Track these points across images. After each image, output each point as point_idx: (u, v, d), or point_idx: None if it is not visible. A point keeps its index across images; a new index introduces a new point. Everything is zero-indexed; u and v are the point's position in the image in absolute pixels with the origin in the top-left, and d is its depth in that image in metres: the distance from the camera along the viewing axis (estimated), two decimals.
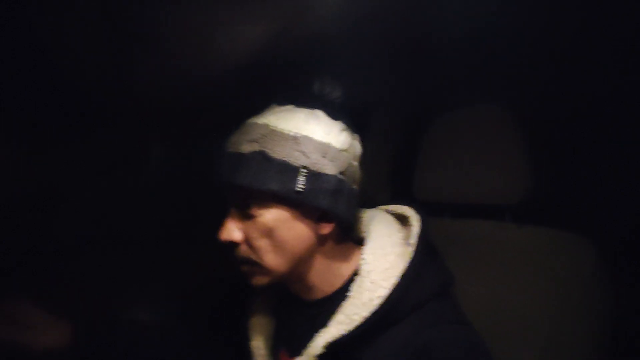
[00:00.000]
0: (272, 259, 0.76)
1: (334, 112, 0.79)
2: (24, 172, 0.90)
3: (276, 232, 0.75)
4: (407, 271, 0.74)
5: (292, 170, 0.73)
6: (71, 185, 1.01)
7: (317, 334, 0.75)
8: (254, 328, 0.88)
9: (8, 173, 0.84)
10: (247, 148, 0.74)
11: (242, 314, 0.90)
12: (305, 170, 0.73)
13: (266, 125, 0.76)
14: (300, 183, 0.73)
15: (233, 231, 0.77)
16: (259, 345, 0.87)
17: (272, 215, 0.75)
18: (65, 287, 0.92)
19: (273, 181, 0.72)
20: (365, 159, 0.83)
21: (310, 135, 0.75)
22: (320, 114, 0.78)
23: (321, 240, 0.78)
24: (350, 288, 0.76)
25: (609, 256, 1.04)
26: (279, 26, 0.82)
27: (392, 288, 0.73)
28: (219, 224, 0.78)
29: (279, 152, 0.73)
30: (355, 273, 0.78)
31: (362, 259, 0.77)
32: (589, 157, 1.19)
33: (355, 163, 0.81)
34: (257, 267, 0.77)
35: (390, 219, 0.85)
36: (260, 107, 0.80)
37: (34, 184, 0.90)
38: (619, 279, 1.04)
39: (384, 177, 1.34)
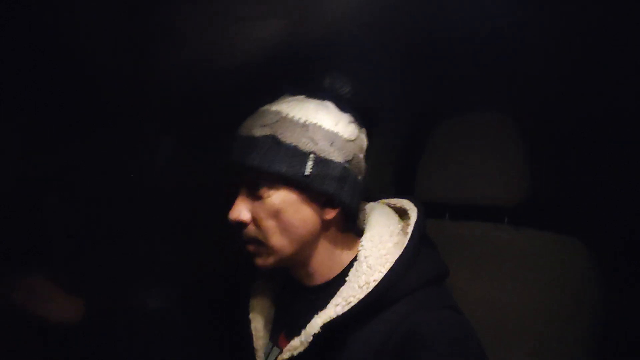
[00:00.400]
0: (278, 240, 0.79)
1: (343, 105, 0.83)
2: (43, 162, 0.94)
3: (283, 214, 0.78)
4: (402, 257, 0.77)
5: (301, 155, 0.77)
6: (85, 174, 1.05)
7: (315, 315, 0.77)
8: (254, 312, 0.91)
9: (29, 161, 0.88)
10: (259, 132, 0.78)
11: (243, 298, 0.93)
12: (313, 156, 0.77)
13: (278, 112, 0.79)
14: (308, 167, 0.76)
15: (242, 211, 0.80)
16: (258, 327, 0.89)
17: (280, 197, 0.78)
18: (77, 272, 0.96)
19: (282, 164, 0.76)
20: (369, 158, 0.86)
21: (320, 123, 0.79)
22: (330, 104, 0.82)
23: (325, 225, 0.82)
24: (348, 273, 0.79)
25: (604, 259, 1.06)
26: (292, 23, 0.85)
27: (386, 272, 0.76)
28: (224, 209, 0.82)
29: (289, 137, 0.77)
30: (355, 260, 0.81)
31: (361, 245, 0.81)
32: (587, 161, 1.22)
33: (361, 155, 0.84)
34: (263, 247, 0.80)
35: (390, 211, 0.88)
36: (273, 96, 0.84)
37: (53, 171, 0.94)
38: (613, 282, 1.06)
39: (387, 177, 1.37)
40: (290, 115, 0.79)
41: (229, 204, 0.81)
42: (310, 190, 0.78)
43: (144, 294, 1.02)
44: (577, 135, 1.23)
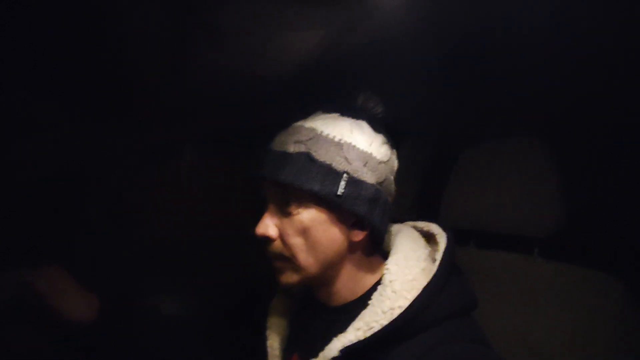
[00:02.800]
0: (304, 258, 0.78)
1: (376, 125, 0.82)
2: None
3: (311, 232, 0.77)
4: (430, 284, 0.74)
5: (334, 174, 0.75)
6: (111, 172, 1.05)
7: (334, 337, 0.75)
8: (271, 329, 0.89)
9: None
10: (293, 148, 0.77)
11: (261, 314, 0.91)
12: (346, 176, 0.76)
13: (313, 129, 0.78)
14: (341, 187, 0.75)
15: (269, 227, 0.79)
16: (274, 346, 0.88)
17: (309, 215, 0.77)
18: (94, 265, 0.95)
19: (315, 182, 0.74)
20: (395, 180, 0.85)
21: (354, 143, 0.78)
22: (364, 125, 0.81)
23: (352, 247, 0.80)
24: (371, 297, 0.76)
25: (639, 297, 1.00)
26: (331, 37, 0.83)
27: (413, 299, 0.73)
28: (250, 223, 0.80)
29: (323, 155, 0.76)
30: (378, 284, 0.79)
31: (386, 268, 0.78)
32: (626, 193, 1.15)
33: (392, 177, 0.84)
34: (289, 263, 0.79)
35: (417, 235, 0.86)
36: (306, 112, 0.83)
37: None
38: None
39: (410, 199, 1.33)
40: (325, 133, 0.78)
41: (256, 218, 0.80)
42: (341, 210, 0.77)
43: (160, 298, 1.00)
44: (615, 165, 1.18)
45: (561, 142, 1.12)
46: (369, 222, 0.78)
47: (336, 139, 0.77)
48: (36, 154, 0.91)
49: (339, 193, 0.75)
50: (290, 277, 0.80)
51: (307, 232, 0.76)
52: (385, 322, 0.72)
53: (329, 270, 0.80)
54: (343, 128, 0.79)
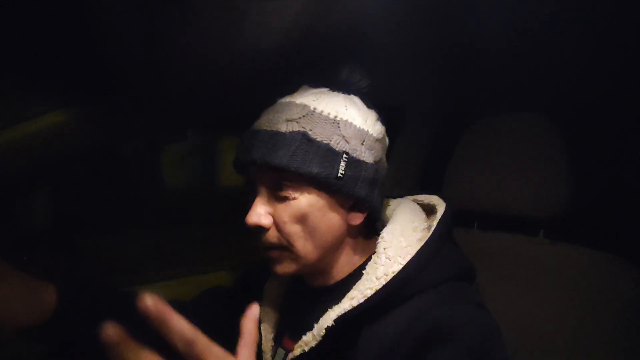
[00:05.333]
0: (303, 246, 0.73)
1: (367, 100, 0.77)
2: None
3: (309, 218, 0.72)
4: (424, 248, 0.71)
5: (333, 154, 0.70)
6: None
7: (330, 309, 0.71)
8: (264, 312, 0.86)
9: None
10: (285, 127, 0.70)
11: (255, 298, 0.88)
12: (346, 156, 0.70)
13: (305, 106, 0.72)
14: (341, 169, 0.70)
15: (262, 215, 0.73)
16: (267, 329, 0.85)
17: (307, 200, 0.71)
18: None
19: (314, 164, 0.69)
20: (393, 161, 0.80)
21: (350, 120, 0.73)
22: (357, 100, 0.76)
23: (350, 230, 0.76)
24: (365, 267, 0.73)
25: None
26: (314, 8, 0.77)
27: (405, 263, 0.70)
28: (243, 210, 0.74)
29: (320, 134, 0.70)
30: (371, 256, 0.75)
31: (381, 237, 0.74)
32: (636, 171, 1.09)
33: (384, 155, 0.79)
34: (287, 252, 0.74)
35: (417, 208, 0.82)
36: (289, 87, 0.77)
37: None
38: None
39: (412, 181, 1.28)
40: (319, 109, 0.72)
41: (246, 206, 0.74)
42: (341, 193, 0.72)
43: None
44: (625, 140, 1.11)
45: (568, 116, 1.06)
46: (369, 204, 0.74)
47: (331, 116, 0.72)
48: None
49: (339, 175, 0.70)
50: (288, 267, 0.75)
51: (304, 218, 0.71)
52: (379, 287, 0.69)
53: (327, 256, 0.76)
54: (337, 104, 0.73)
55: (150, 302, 0.42)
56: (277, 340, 0.84)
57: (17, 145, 0.84)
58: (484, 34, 0.95)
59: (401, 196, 0.89)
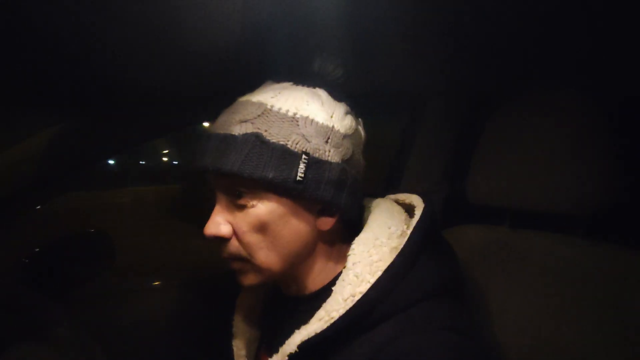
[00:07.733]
0: (265, 256, 0.68)
1: (336, 93, 0.70)
2: None
3: (270, 227, 0.67)
4: (394, 264, 0.64)
5: (291, 156, 0.64)
6: None
7: (297, 330, 0.66)
8: (237, 327, 0.83)
9: None
10: (238, 129, 0.66)
11: (227, 310, 0.86)
12: (306, 157, 0.64)
13: (261, 104, 0.67)
14: (300, 171, 0.64)
15: (220, 225, 0.69)
16: (239, 345, 0.82)
17: (266, 208, 0.66)
18: None
19: (268, 168, 0.64)
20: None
21: (312, 116, 0.66)
22: (322, 93, 0.69)
23: (321, 236, 0.71)
24: (336, 282, 0.67)
25: None
26: None
27: (374, 283, 0.63)
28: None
29: (276, 135, 0.65)
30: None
31: (352, 248, 0.68)
32: None
33: (359, 151, 0.72)
34: (249, 264, 0.70)
35: (397, 209, 0.75)
36: (253, 84, 0.71)
37: None
38: None
39: (436, 175, 1.18)
40: (277, 107, 0.66)
41: (207, 215, 0.70)
42: (304, 197, 0.66)
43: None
44: None
45: (610, 94, 0.92)
46: (337, 207, 0.67)
47: (290, 113, 0.66)
48: None
49: (298, 178, 0.64)
50: (252, 279, 0.71)
51: (265, 227, 0.66)
52: (343, 311, 0.63)
53: (296, 265, 0.71)
54: (297, 99, 0.67)
55: None
56: (256, 353, 0.81)
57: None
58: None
59: (428, 191, 0.81)
